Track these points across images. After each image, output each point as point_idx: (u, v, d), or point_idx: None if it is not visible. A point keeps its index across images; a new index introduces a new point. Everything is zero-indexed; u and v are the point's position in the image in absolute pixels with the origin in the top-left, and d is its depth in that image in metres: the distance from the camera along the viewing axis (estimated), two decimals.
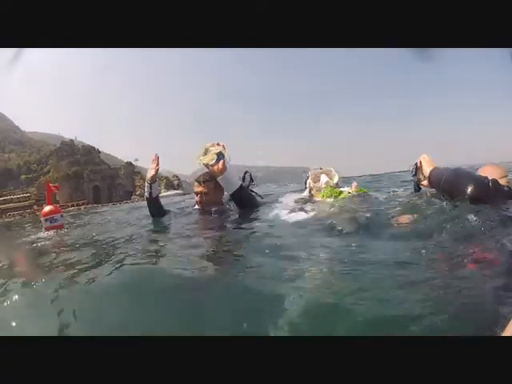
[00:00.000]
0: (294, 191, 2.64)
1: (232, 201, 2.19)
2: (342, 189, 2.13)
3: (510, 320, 0.47)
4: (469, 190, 1.25)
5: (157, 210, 2.46)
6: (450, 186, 1.39)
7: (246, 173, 2.37)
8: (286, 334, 0.67)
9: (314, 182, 2.29)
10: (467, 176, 1.36)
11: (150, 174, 2.35)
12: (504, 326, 0.47)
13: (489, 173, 1.44)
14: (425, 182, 1.67)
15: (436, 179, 1.50)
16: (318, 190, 2.19)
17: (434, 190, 1.60)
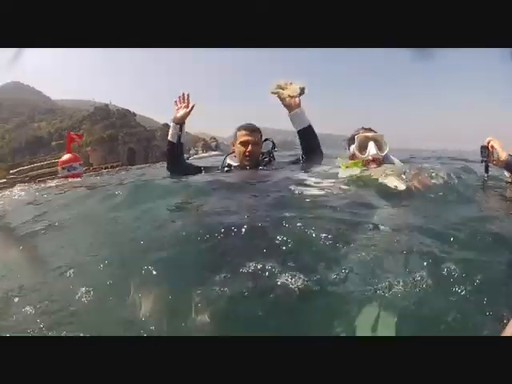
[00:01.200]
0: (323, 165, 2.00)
1: (300, 139, 2.02)
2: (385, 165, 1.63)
3: (510, 320, 0.47)
4: None
5: (180, 162, 2.11)
6: None
7: (266, 140, 2.16)
8: None
9: (360, 151, 1.72)
10: None
11: (180, 112, 2.04)
12: (504, 326, 0.47)
13: None
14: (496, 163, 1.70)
15: None
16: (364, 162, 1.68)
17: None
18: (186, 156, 2.19)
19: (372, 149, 1.67)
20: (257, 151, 2.04)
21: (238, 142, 2.03)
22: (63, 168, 2.90)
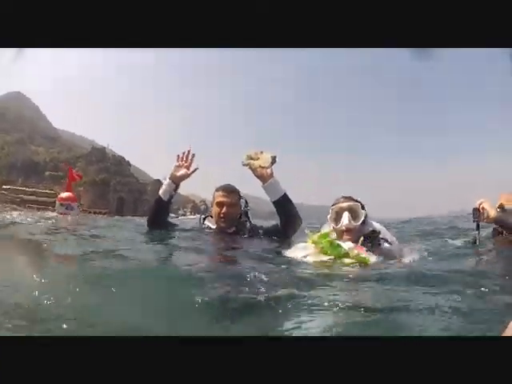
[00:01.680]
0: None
1: (276, 208, 1.98)
2: (345, 245, 1.51)
3: (510, 321, 0.47)
4: None
5: (163, 219, 2.12)
6: None
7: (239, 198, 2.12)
8: None
9: (336, 222, 1.70)
10: None
11: (180, 172, 2.01)
12: (504, 327, 0.47)
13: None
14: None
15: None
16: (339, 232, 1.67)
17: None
18: (173, 215, 2.19)
19: (345, 219, 1.66)
20: (233, 212, 1.98)
21: (214, 202, 2.01)
22: (62, 205, 2.89)
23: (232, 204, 1.98)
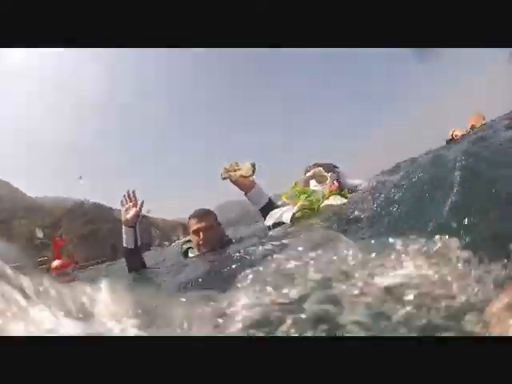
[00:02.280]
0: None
1: (263, 215, 1.89)
2: (315, 188, 1.71)
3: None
4: None
5: (141, 263, 2.00)
6: None
7: None
8: None
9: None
10: None
11: (130, 213, 1.91)
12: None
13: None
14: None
15: None
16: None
17: None
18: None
19: (312, 186, 1.78)
20: (212, 236, 1.89)
21: (191, 232, 1.94)
22: (58, 275, 2.92)
23: (208, 227, 1.89)
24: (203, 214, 1.94)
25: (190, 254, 1.99)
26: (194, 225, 1.90)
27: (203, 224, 1.88)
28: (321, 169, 1.81)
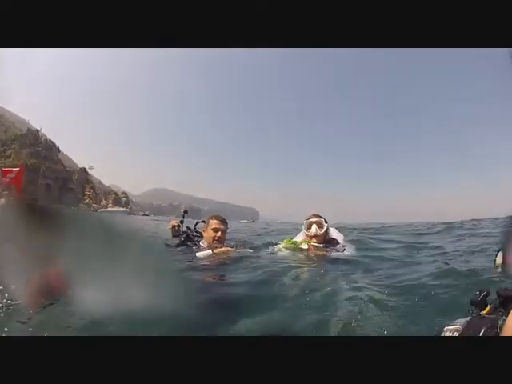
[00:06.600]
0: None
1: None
2: (297, 239, 2.71)
3: (508, 316, 0.47)
4: None
5: None
6: None
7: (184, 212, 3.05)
8: None
9: (307, 231, 2.76)
10: None
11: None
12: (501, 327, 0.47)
13: None
14: None
15: None
16: (309, 237, 2.68)
17: None
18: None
19: (313, 229, 2.69)
20: (223, 237, 2.60)
21: (210, 228, 2.59)
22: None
23: (223, 231, 2.63)
24: (224, 220, 2.66)
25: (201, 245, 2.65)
26: (216, 224, 2.60)
27: (222, 227, 2.61)
28: (323, 220, 2.74)
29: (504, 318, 0.65)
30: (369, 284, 1.64)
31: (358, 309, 1.19)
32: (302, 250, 2.56)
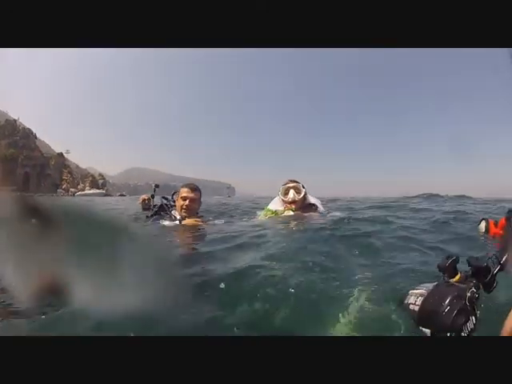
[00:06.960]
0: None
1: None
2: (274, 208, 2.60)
3: (509, 315, 0.47)
4: None
5: None
6: None
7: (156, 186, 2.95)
8: None
9: (284, 196, 2.61)
10: None
11: None
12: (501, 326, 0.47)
13: None
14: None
15: None
16: (287, 203, 2.55)
17: None
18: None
19: (291, 194, 2.56)
20: (193, 206, 2.40)
21: (179, 196, 2.42)
22: None
23: (193, 199, 2.40)
24: (195, 188, 2.42)
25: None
26: (184, 192, 2.39)
27: (191, 195, 2.38)
28: (300, 185, 2.61)
29: (474, 289, 0.63)
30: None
31: None
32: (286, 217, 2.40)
